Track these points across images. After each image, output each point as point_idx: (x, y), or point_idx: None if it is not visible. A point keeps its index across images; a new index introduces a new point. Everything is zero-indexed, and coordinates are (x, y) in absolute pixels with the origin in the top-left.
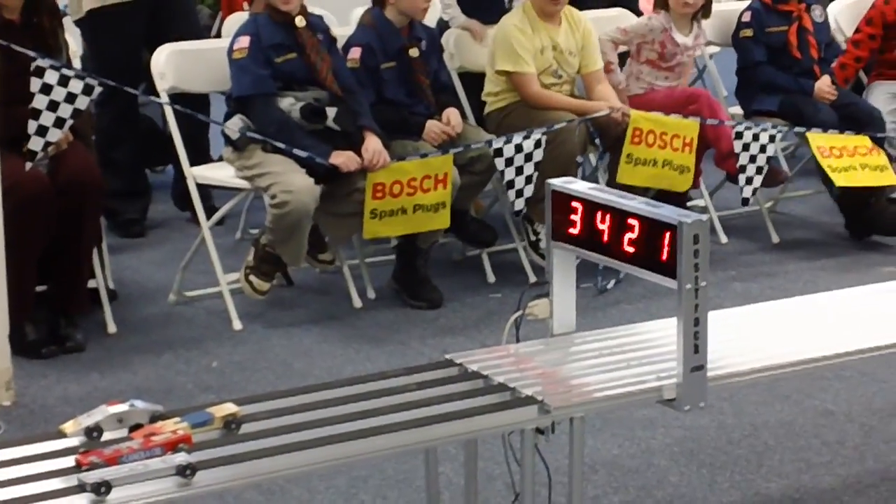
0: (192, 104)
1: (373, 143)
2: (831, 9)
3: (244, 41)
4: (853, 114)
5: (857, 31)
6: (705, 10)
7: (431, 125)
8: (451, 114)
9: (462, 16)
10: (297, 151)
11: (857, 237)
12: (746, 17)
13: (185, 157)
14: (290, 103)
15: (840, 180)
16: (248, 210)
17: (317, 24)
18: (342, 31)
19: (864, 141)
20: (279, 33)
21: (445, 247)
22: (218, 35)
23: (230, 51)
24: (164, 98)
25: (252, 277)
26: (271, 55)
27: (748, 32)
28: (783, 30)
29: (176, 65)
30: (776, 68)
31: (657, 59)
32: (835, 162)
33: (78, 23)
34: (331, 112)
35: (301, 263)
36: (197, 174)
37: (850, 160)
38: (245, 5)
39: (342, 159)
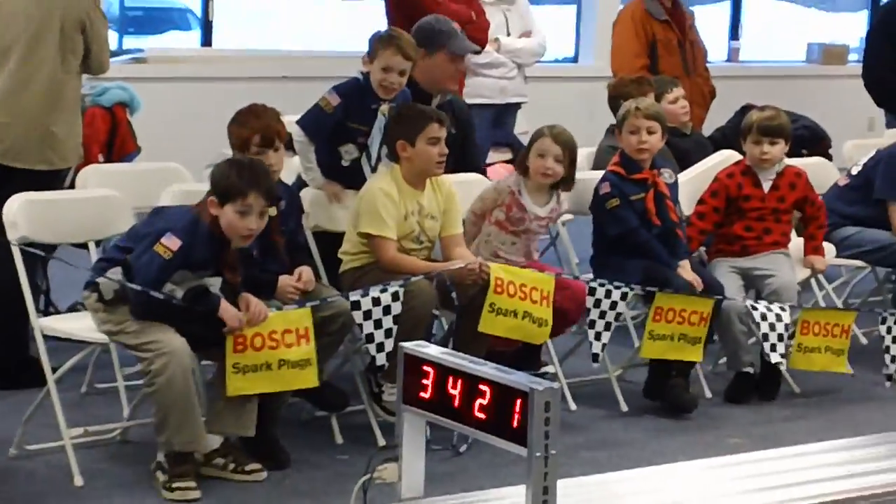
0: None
1: (254, 299)
2: None
3: (175, 244)
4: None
5: (700, 203)
6: (566, 183)
7: (284, 282)
8: (304, 271)
9: (322, 177)
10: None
11: (650, 398)
12: (606, 188)
13: (32, 306)
14: (170, 289)
15: (647, 350)
16: (95, 364)
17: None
18: (198, 186)
19: (706, 306)
20: (210, 252)
21: (293, 406)
22: (72, 186)
23: (155, 238)
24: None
25: (175, 486)
26: (189, 270)
27: (615, 202)
28: (641, 197)
29: (27, 214)
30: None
31: (504, 221)
32: (658, 327)
33: None
34: (214, 282)
35: (204, 443)
36: (45, 325)
37: (670, 328)
38: (100, 157)
39: (230, 314)
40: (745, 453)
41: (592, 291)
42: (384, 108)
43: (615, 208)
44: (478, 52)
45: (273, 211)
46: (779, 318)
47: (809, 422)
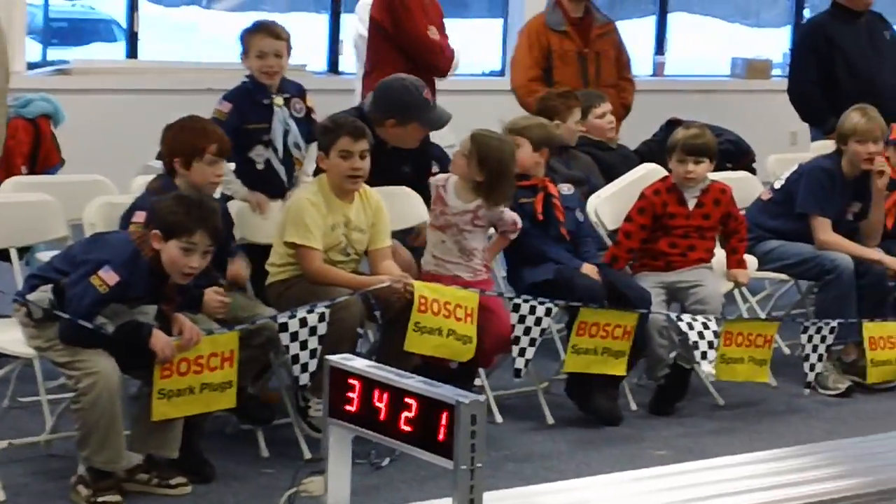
0: None
1: (187, 322)
2: (590, 203)
3: (112, 278)
4: (624, 294)
5: (627, 220)
6: (487, 192)
7: (210, 297)
8: (234, 262)
9: (244, 189)
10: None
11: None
12: None
13: None
14: (102, 322)
15: (570, 364)
16: (18, 377)
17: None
18: (123, 199)
19: (630, 320)
20: (148, 286)
21: (218, 420)
22: None
23: (93, 269)
24: None
25: (100, 500)
26: (125, 304)
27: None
28: (531, 200)
29: None
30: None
31: (433, 220)
32: (581, 341)
33: None
34: (149, 309)
35: (125, 462)
36: None
37: (593, 342)
38: (23, 169)
39: (161, 344)
40: (669, 465)
41: (517, 308)
42: (277, 99)
43: None
44: (448, 120)
45: None
46: (705, 326)
47: (733, 433)
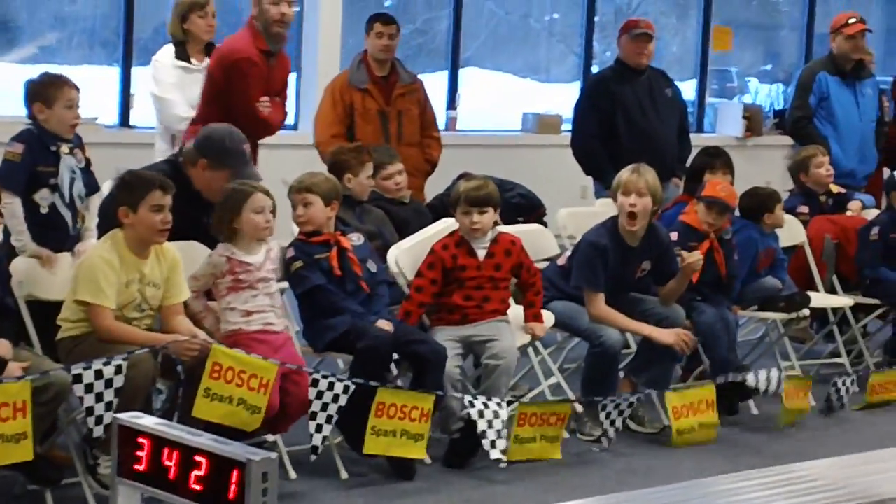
0: None
1: None
2: (391, 254)
3: None
4: (419, 352)
5: (418, 275)
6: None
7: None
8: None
9: (32, 243)
10: None
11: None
12: (290, 253)
13: None
14: None
15: (370, 446)
16: None
17: None
18: None
19: (427, 402)
20: None
21: (5, 479)
22: None
23: None
24: None
25: None
26: None
27: (299, 264)
28: (325, 256)
29: None
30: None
31: (234, 283)
32: (380, 423)
33: None
34: None
35: None
36: None
37: (392, 424)
38: None
39: None
40: None
41: (315, 383)
42: (63, 147)
43: (299, 269)
44: (259, 181)
45: None
46: (496, 415)
47: (527, 484)
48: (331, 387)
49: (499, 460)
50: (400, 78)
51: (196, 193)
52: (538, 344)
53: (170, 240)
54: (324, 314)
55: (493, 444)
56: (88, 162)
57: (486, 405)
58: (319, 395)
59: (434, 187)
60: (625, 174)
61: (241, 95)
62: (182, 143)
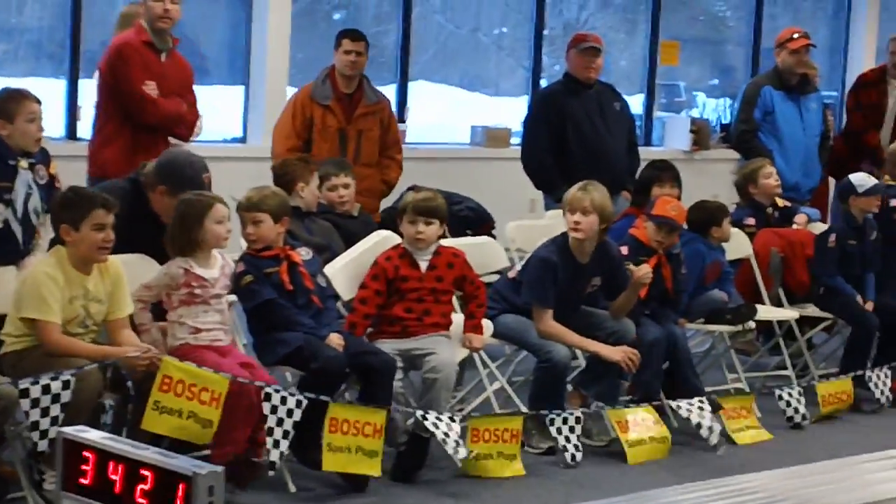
0: None
1: None
2: (329, 269)
3: None
4: (370, 364)
5: (362, 287)
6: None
7: None
8: None
9: None
10: None
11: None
12: (240, 267)
13: None
14: None
15: (328, 463)
16: None
17: None
18: None
19: (379, 418)
20: None
21: None
22: None
23: None
24: None
25: None
26: None
27: (249, 278)
28: (275, 270)
29: None
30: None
31: (188, 297)
32: (335, 439)
33: None
34: None
35: None
36: None
37: (346, 440)
38: None
39: None
40: None
41: (269, 397)
42: (22, 162)
43: (250, 283)
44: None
45: None
46: (449, 426)
47: (475, 499)
48: (283, 401)
49: (465, 458)
50: (365, 96)
51: (154, 214)
52: (485, 356)
53: (119, 253)
54: (275, 328)
55: (457, 445)
56: (53, 178)
57: (439, 417)
58: (274, 410)
59: (383, 201)
60: (571, 191)
61: (124, 79)
62: (88, 152)
